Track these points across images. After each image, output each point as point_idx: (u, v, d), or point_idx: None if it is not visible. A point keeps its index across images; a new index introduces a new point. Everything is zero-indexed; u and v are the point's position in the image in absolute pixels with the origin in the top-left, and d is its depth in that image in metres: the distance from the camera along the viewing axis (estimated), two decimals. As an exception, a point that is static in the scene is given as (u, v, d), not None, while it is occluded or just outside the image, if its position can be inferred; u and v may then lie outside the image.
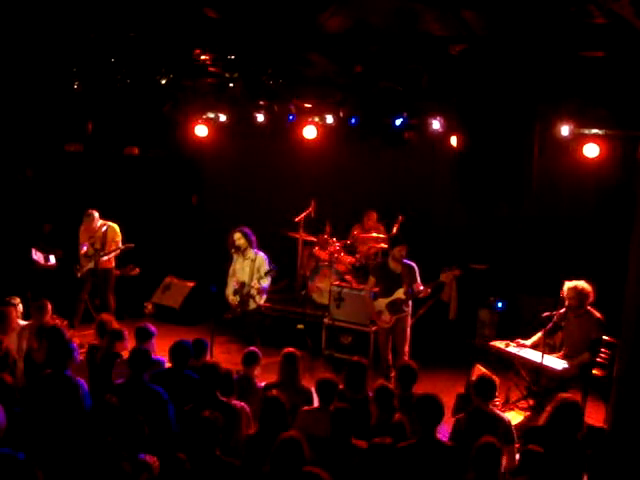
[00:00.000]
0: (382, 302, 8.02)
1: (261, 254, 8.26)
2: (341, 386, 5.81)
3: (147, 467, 4.31)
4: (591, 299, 6.95)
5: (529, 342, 7.25)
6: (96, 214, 9.22)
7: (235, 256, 8.40)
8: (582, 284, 6.97)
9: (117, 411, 4.63)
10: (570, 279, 7.09)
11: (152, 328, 6.47)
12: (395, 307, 7.97)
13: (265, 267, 8.19)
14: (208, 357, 6.67)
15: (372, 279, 8.20)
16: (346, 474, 4.51)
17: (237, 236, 8.27)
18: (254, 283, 8.18)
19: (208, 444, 4.45)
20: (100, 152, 11.23)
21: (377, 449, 4.40)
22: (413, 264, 8.04)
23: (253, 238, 8.30)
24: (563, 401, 5.18)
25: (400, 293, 7.92)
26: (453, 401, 6.80)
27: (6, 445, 4.31)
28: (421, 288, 7.87)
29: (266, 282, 8.26)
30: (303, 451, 4.27)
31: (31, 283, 9.15)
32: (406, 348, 8.02)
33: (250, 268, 8.17)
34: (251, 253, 8.23)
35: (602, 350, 7.09)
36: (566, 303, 7.04)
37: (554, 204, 9.82)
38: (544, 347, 7.02)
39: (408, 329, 8.04)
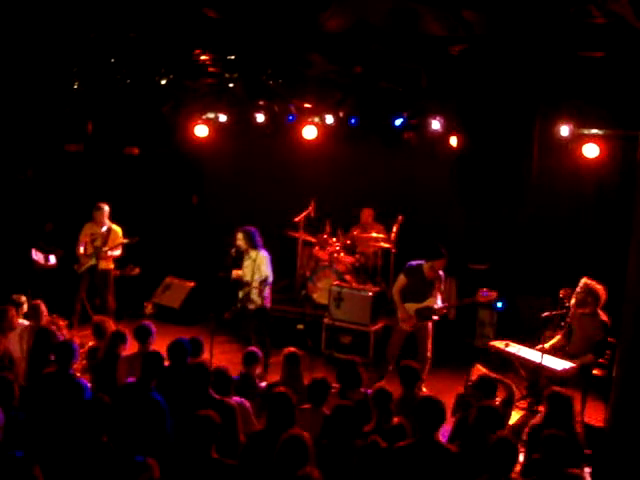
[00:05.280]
0: (411, 307, 7.95)
1: (263, 253, 8.17)
2: (338, 385, 5.83)
3: (147, 468, 4.29)
4: (602, 302, 6.95)
5: (548, 345, 7.21)
6: (106, 207, 9.24)
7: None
8: (596, 285, 6.98)
9: (110, 410, 4.62)
10: (589, 277, 7.10)
11: (152, 327, 6.47)
12: (424, 314, 7.93)
13: (265, 266, 8.13)
14: (207, 356, 6.69)
15: (403, 279, 8.04)
16: (342, 474, 4.51)
17: (239, 236, 8.19)
18: (255, 283, 8.13)
19: (203, 445, 4.41)
20: (100, 152, 11.23)
21: (370, 449, 4.39)
22: (442, 273, 8.03)
23: (257, 239, 8.22)
24: (554, 394, 5.22)
25: (432, 301, 7.90)
26: (453, 401, 6.80)
27: (6, 444, 4.32)
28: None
29: (263, 278, 8.18)
30: (308, 449, 4.27)
31: (31, 283, 9.15)
32: (428, 354, 8.02)
33: (252, 267, 8.12)
34: (253, 252, 8.18)
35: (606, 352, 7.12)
36: (573, 297, 7.05)
37: (554, 204, 9.81)
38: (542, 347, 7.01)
39: (430, 336, 8.03)
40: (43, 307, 7.15)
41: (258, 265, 8.09)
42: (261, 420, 5.23)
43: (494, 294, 7.81)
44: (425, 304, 7.91)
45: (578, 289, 7.05)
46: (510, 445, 4.37)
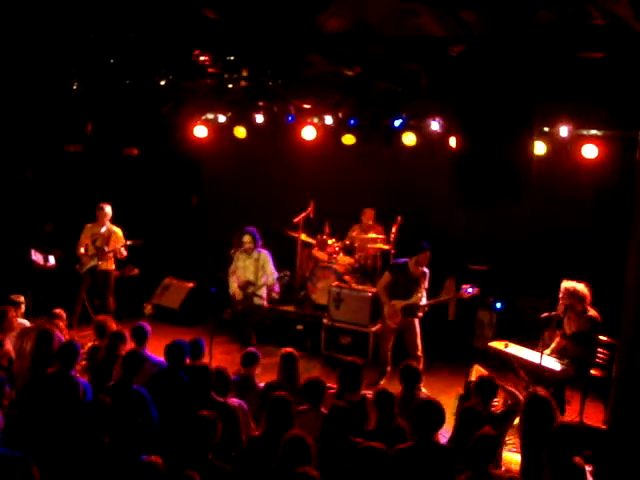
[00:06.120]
0: (398, 304, 8.04)
1: (264, 252, 8.42)
2: (336, 387, 5.83)
3: (153, 467, 4.27)
4: (588, 300, 6.94)
5: (548, 351, 7.19)
6: (107, 208, 9.26)
7: (237, 255, 8.49)
8: (575, 285, 6.97)
9: (110, 411, 4.62)
10: (568, 279, 7.09)
11: (148, 328, 6.49)
12: (410, 311, 8.03)
13: (270, 265, 8.31)
14: (206, 356, 6.69)
15: (388, 276, 8.16)
16: (340, 475, 4.50)
17: (247, 239, 8.42)
18: (264, 279, 8.31)
19: (201, 446, 4.41)
20: (100, 153, 11.23)
21: (368, 452, 4.39)
22: (426, 270, 8.10)
23: (258, 238, 8.42)
24: (531, 397, 5.22)
25: (417, 298, 8.00)
26: (452, 401, 6.81)
27: (6, 444, 4.32)
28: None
29: (274, 277, 8.39)
30: (309, 450, 4.27)
31: (30, 283, 9.15)
32: (419, 352, 8.04)
33: (254, 267, 8.33)
34: (255, 252, 8.36)
35: (599, 350, 7.11)
36: (560, 303, 7.05)
37: (553, 205, 9.83)
38: (543, 347, 7.01)
39: (418, 334, 8.08)
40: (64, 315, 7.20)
41: (262, 265, 8.33)
42: (259, 421, 5.22)
43: (476, 290, 7.94)
44: (411, 301, 7.96)
45: (561, 295, 7.03)
46: (489, 440, 4.42)
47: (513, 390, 6.10)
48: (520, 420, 5.39)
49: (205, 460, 4.40)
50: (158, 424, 5.30)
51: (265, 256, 8.38)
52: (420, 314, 8.10)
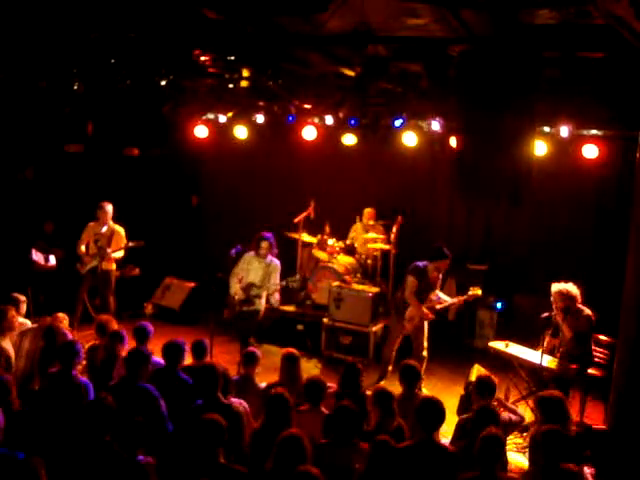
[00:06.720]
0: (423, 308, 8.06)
1: (276, 261, 8.52)
2: (335, 387, 5.83)
3: (148, 468, 4.27)
4: (579, 299, 6.93)
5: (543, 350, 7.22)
6: (109, 207, 9.26)
7: (246, 257, 8.54)
8: (565, 286, 6.96)
9: (113, 410, 4.63)
10: (558, 281, 7.08)
11: (150, 327, 6.49)
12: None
13: (278, 274, 8.52)
14: (208, 358, 6.69)
15: (414, 280, 7.99)
16: (342, 473, 4.50)
17: (265, 245, 8.52)
18: (269, 285, 8.45)
19: (211, 449, 4.38)
20: (100, 153, 11.24)
21: (381, 447, 4.38)
22: (440, 276, 8.16)
23: (275, 246, 8.61)
24: (544, 398, 5.20)
25: (431, 303, 8.06)
26: (452, 401, 6.82)
27: (6, 445, 4.32)
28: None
29: (276, 286, 8.54)
30: (305, 449, 4.27)
31: (31, 283, 9.15)
32: (424, 352, 8.06)
33: (263, 272, 8.40)
34: (267, 259, 8.46)
35: (597, 349, 7.11)
36: (553, 306, 7.05)
37: (553, 205, 9.84)
38: (542, 348, 7.01)
39: (425, 335, 8.11)
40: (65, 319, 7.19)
41: (271, 272, 8.41)
42: (259, 421, 5.23)
43: (479, 293, 8.00)
44: (428, 305, 7.97)
45: (553, 298, 7.01)
46: (496, 440, 4.39)
47: (513, 406, 6.11)
48: (534, 420, 5.38)
49: (217, 464, 4.35)
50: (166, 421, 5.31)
51: (275, 265, 8.51)
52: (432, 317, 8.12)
